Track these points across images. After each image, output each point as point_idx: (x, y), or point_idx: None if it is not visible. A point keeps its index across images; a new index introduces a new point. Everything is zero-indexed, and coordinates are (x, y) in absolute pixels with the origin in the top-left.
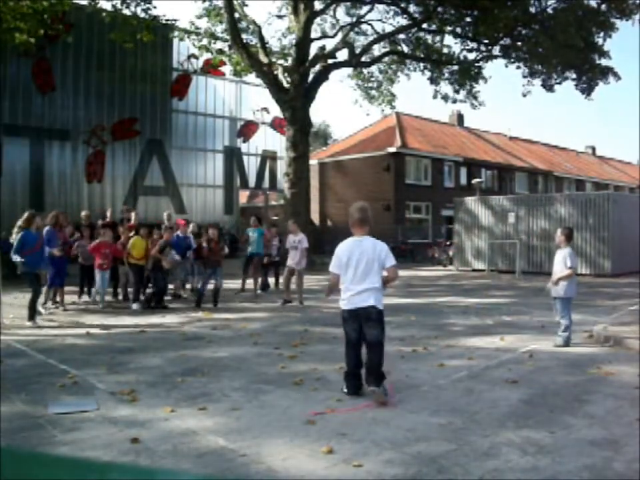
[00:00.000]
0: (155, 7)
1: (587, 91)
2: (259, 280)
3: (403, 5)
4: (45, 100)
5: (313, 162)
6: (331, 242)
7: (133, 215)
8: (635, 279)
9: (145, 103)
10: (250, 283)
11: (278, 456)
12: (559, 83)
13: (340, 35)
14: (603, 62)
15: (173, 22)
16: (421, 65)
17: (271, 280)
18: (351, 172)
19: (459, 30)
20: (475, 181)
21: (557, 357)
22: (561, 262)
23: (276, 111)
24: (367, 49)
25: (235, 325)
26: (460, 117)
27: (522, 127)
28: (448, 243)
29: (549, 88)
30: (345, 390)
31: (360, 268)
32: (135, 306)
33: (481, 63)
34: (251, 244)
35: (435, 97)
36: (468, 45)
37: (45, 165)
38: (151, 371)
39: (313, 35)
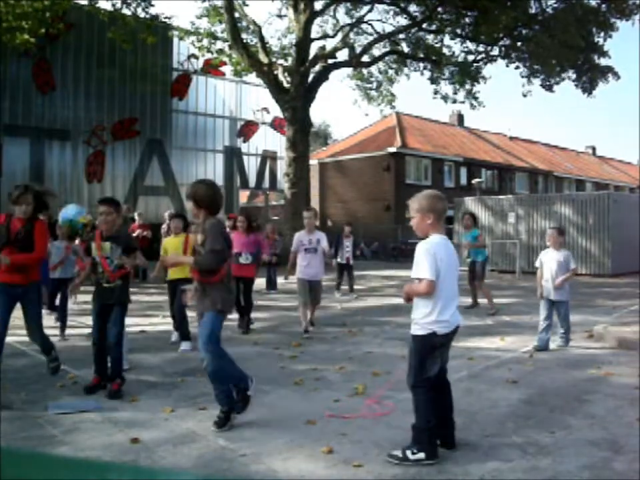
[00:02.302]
0: (153, 5)
1: (588, 89)
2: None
3: (402, 5)
4: (45, 100)
5: (313, 162)
6: (331, 242)
7: (136, 214)
8: (635, 279)
9: (145, 103)
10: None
11: (278, 456)
12: (558, 83)
13: (340, 35)
14: (603, 61)
15: (171, 18)
16: (421, 65)
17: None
18: (350, 172)
19: (458, 30)
20: (475, 181)
21: (557, 356)
22: (562, 264)
23: (276, 110)
24: (367, 48)
25: (234, 324)
26: (460, 117)
27: (522, 127)
28: None
29: (548, 88)
30: (423, 455)
31: (454, 276)
32: (174, 337)
33: (480, 63)
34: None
35: (435, 95)
36: (468, 46)
37: (45, 165)
38: (151, 371)
39: (313, 35)
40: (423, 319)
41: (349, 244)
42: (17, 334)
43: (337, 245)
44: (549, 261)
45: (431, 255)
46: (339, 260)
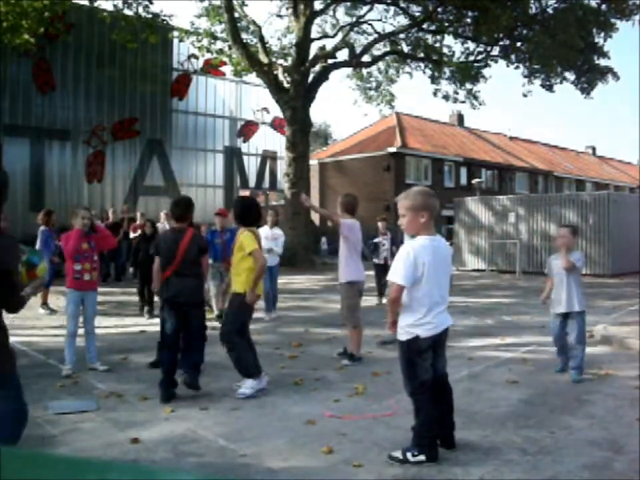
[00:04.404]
0: (152, 4)
1: (587, 90)
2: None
3: (402, 5)
4: (44, 100)
5: (313, 162)
6: (331, 242)
7: (138, 214)
8: (635, 279)
9: (144, 103)
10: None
11: (278, 456)
12: (560, 82)
13: (340, 35)
14: (602, 62)
15: (171, 16)
16: (421, 64)
17: None
18: (351, 172)
19: (459, 30)
20: (475, 181)
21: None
22: (576, 269)
23: (276, 110)
24: (367, 48)
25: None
26: (460, 117)
27: (522, 127)
28: (448, 243)
29: (548, 88)
30: (423, 458)
31: (443, 279)
32: (246, 387)
33: (481, 64)
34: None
35: (435, 94)
36: (468, 46)
37: (45, 165)
38: (151, 371)
39: (313, 34)
40: (405, 322)
41: (385, 242)
42: (17, 334)
43: (377, 243)
44: (559, 267)
45: (410, 260)
46: (375, 261)
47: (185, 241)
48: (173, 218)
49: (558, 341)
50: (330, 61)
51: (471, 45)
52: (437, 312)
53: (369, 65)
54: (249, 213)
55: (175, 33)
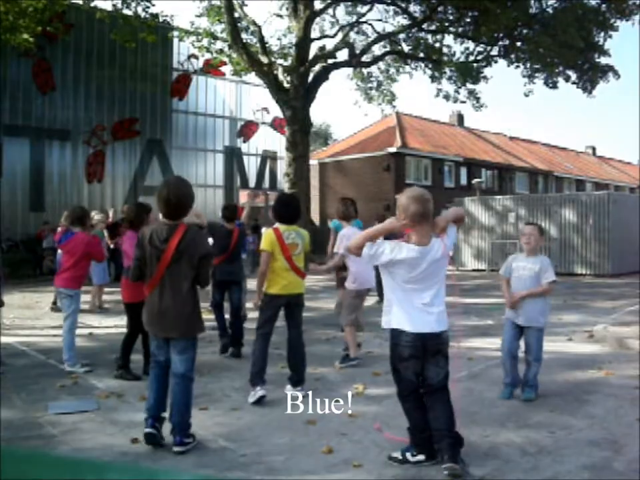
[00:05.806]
0: (153, 5)
1: (588, 90)
2: None
3: (403, 5)
4: (45, 100)
5: (313, 162)
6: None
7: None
8: (635, 279)
9: (145, 103)
10: None
11: (278, 456)
12: (567, 80)
13: (340, 35)
14: (603, 60)
15: (171, 17)
16: (421, 64)
17: None
18: (350, 172)
19: (459, 30)
20: (475, 181)
21: (557, 357)
22: (538, 274)
23: (276, 110)
24: (367, 48)
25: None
26: (460, 117)
27: (522, 127)
28: None
29: (552, 85)
30: (423, 457)
31: (424, 286)
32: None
33: (480, 64)
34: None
35: (437, 95)
36: (468, 46)
37: (45, 165)
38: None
39: (313, 35)
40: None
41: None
42: (18, 334)
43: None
44: (520, 269)
45: (383, 274)
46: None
47: (235, 237)
48: (223, 219)
49: (509, 353)
50: (330, 61)
51: (471, 45)
52: (415, 319)
53: (369, 64)
54: (282, 210)
55: (175, 33)
